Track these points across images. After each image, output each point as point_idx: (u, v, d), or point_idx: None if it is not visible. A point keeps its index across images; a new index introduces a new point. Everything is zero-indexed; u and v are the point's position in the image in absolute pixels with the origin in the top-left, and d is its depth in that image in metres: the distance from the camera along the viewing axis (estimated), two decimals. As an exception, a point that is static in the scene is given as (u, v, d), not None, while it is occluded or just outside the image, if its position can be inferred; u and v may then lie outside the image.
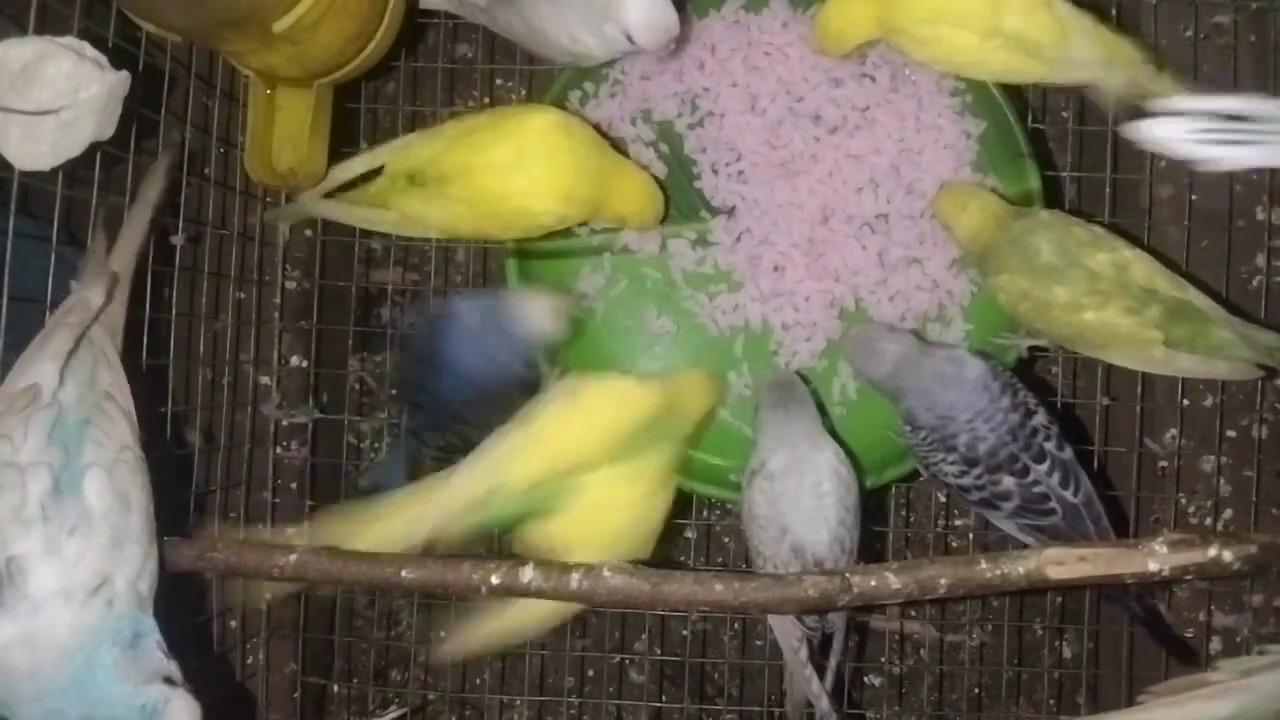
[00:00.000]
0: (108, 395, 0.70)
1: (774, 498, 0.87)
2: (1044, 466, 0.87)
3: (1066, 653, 1.18)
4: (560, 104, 1.01)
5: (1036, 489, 0.88)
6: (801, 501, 0.86)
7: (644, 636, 1.19)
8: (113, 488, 0.66)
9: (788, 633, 0.89)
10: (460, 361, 0.93)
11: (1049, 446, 0.88)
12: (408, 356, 0.97)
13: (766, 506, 0.87)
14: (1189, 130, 0.72)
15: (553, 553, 0.80)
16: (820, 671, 0.90)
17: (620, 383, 0.85)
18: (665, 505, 0.85)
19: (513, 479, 0.81)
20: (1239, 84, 1.02)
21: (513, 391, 0.92)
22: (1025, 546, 0.89)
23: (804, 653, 0.89)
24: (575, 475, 0.81)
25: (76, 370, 0.70)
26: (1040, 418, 0.89)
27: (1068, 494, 0.88)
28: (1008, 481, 0.88)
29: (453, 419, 0.94)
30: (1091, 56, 0.87)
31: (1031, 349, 0.97)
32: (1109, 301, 0.87)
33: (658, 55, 0.93)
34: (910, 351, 0.90)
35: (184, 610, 0.97)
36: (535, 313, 0.92)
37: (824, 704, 0.89)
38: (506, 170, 0.89)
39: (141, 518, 0.67)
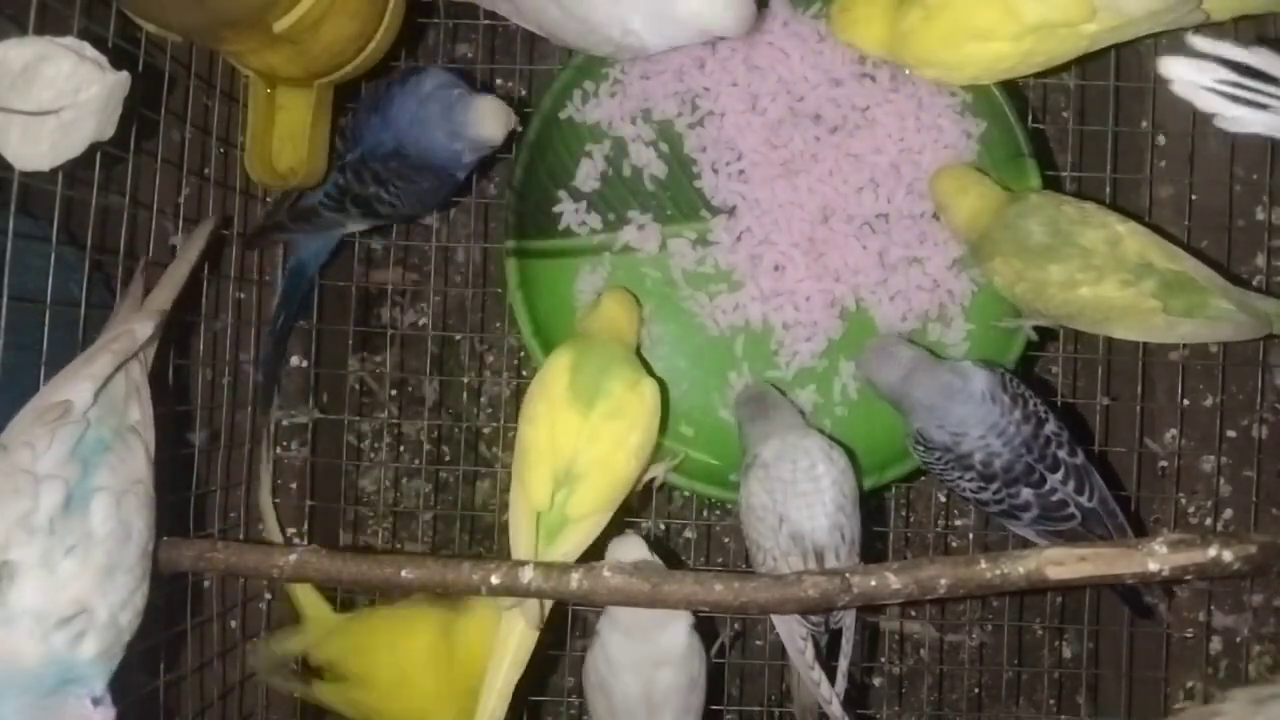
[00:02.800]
0: (133, 429, 0.71)
1: (770, 486, 0.87)
2: (1059, 475, 0.87)
3: (1066, 653, 1.18)
4: (561, 103, 1.02)
5: (1054, 497, 0.87)
6: (798, 487, 0.86)
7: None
8: (118, 515, 0.66)
9: (792, 632, 0.88)
10: (393, 113, 0.94)
11: (1062, 454, 0.88)
12: (367, 99, 0.98)
13: (764, 496, 0.87)
14: (1216, 79, 0.68)
15: (608, 507, 0.86)
16: (830, 674, 0.88)
17: (553, 357, 0.89)
18: (653, 409, 0.88)
19: (537, 502, 0.84)
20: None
21: (418, 178, 0.95)
22: (1027, 546, 0.89)
23: (810, 653, 0.88)
24: (573, 452, 0.85)
25: (106, 395, 0.71)
26: (1051, 425, 0.88)
27: (1083, 499, 0.88)
28: (1026, 493, 0.88)
29: (361, 163, 0.95)
30: (1136, 7, 0.86)
31: (1034, 343, 0.98)
32: (1104, 276, 0.87)
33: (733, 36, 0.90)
34: (923, 359, 0.90)
35: (184, 610, 0.97)
36: (483, 110, 0.92)
37: (836, 709, 0.87)
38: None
39: (138, 551, 0.67)
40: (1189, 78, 0.69)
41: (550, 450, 0.85)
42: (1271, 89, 0.68)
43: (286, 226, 1.00)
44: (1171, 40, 0.98)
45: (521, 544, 0.84)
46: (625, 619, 0.90)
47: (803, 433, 0.90)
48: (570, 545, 0.84)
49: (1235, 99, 0.68)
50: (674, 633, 0.90)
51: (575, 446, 0.85)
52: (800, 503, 0.86)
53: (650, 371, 0.92)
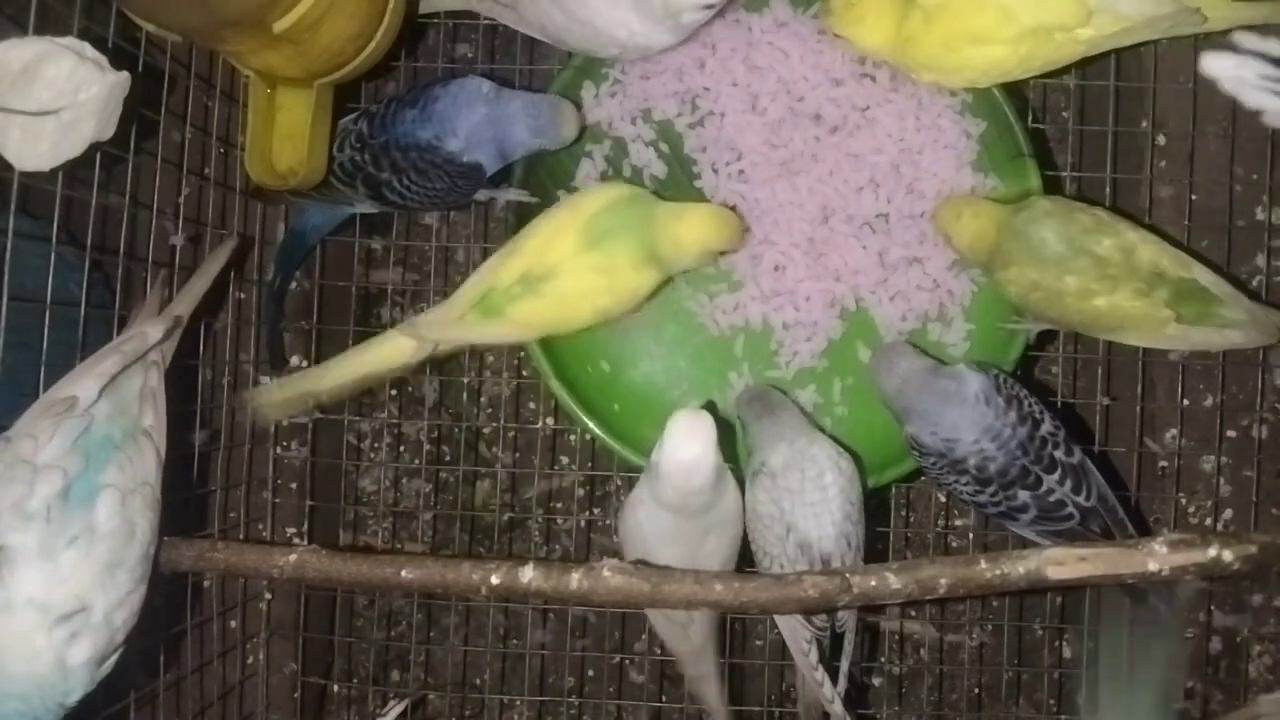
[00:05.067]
0: (146, 433, 0.72)
1: (777, 496, 0.86)
2: (1055, 476, 0.87)
3: (1066, 653, 1.18)
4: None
5: (1051, 498, 0.87)
6: (806, 497, 0.86)
7: (644, 636, 1.19)
8: (122, 513, 0.66)
9: (796, 634, 0.88)
10: (438, 110, 0.94)
11: (1058, 455, 0.88)
12: (402, 94, 0.99)
13: (770, 505, 0.87)
14: (1260, 75, 0.70)
15: (533, 330, 0.92)
16: (832, 674, 0.89)
17: (606, 185, 0.94)
18: (635, 293, 0.91)
19: (500, 279, 0.90)
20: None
21: (434, 176, 0.95)
22: (1026, 546, 0.89)
23: (814, 655, 0.88)
24: (552, 267, 0.89)
25: (116, 394, 0.71)
26: (1047, 425, 0.88)
27: (1081, 498, 0.88)
28: (1023, 495, 0.88)
29: (383, 149, 0.95)
30: (1133, 12, 0.86)
31: (1033, 347, 0.98)
32: (1119, 286, 0.87)
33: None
34: (921, 370, 0.89)
35: (184, 610, 0.97)
36: (566, 113, 0.94)
37: (838, 708, 0.88)
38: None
39: (141, 551, 0.68)
40: (1234, 74, 0.71)
41: (537, 254, 0.89)
42: None
43: (298, 189, 1.00)
44: (1136, 65, 1.00)
45: (463, 298, 0.91)
46: (674, 501, 0.81)
47: (810, 439, 0.89)
48: (490, 334, 0.93)
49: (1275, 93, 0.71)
50: (724, 505, 0.85)
51: (555, 265, 0.88)
52: (808, 512, 0.86)
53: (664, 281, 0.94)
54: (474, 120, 0.93)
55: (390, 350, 0.93)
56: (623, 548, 0.90)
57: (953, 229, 0.93)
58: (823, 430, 0.99)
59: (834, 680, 0.88)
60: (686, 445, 0.79)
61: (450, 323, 0.91)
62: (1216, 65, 0.71)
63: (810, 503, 0.86)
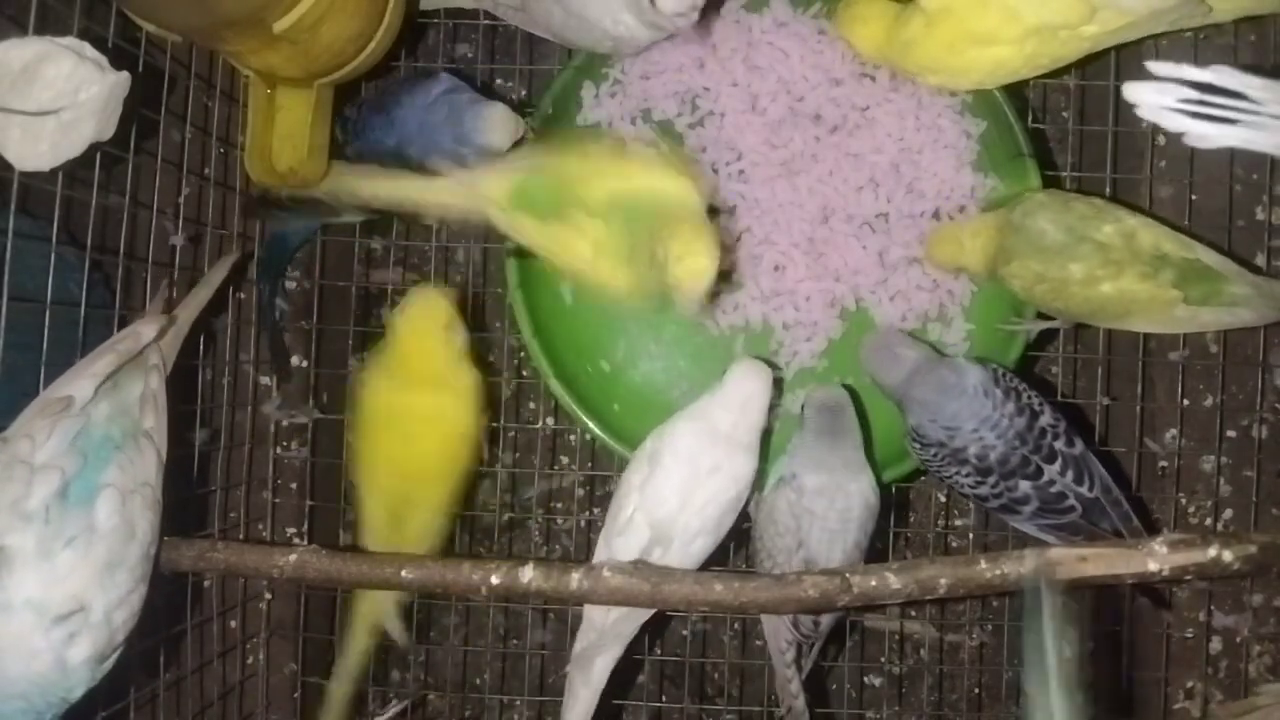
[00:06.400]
0: (147, 435, 0.72)
1: (799, 512, 0.87)
2: (1056, 466, 0.87)
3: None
4: (564, 103, 1.01)
5: (1053, 489, 0.88)
6: (826, 523, 0.86)
7: (644, 636, 1.18)
8: (122, 512, 0.66)
9: (778, 634, 0.90)
10: (399, 115, 0.95)
11: (1059, 445, 0.88)
12: (375, 97, 1.00)
13: (789, 518, 0.87)
14: (1179, 99, 0.71)
15: (527, 240, 0.87)
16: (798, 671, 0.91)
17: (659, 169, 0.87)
18: (608, 280, 0.86)
19: (538, 179, 0.85)
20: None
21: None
22: (1026, 546, 0.88)
23: (790, 655, 0.90)
24: (571, 201, 0.84)
25: (114, 394, 0.71)
26: (1047, 417, 0.89)
27: (1083, 489, 0.88)
28: (1024, 486, 0.88)
29: (357, 158, 0.97)
30: (1138, 6, 0.86)
31: (1033, 346, 0.97)
32: (1123, 270, 0.87)
33: (679, 26, 0.89)
34: (924, 359, 0.90)
35: (184, 610, 0.97)
36: (492, 118, 0.92)
37: (799, 704, 0.91)
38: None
39: (141, 551, 0.68)
40: (1152, 101, 0.72)
41: (571, 182, 0.84)
42: (1237, 103, 0.71)
43: (287, 205, 1.00)
44: (1136, 64, 0.99)
45: (512, 169, 0.86)
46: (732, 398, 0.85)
47: (852, 473, 0.88)
48: (501, 222, 0.86)
49: (1200, 116, 0.71)
50: (743, 460, 0.85)
51: (574, 203, 0.83)
52: (824, 536, 0.86)
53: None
54: (414, 127, 0.94)
55: (437, 190, 0.87)
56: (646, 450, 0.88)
57: (960, 258, 0.93)
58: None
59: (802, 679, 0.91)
60: (752, 367, 0.85)
61: (492, 182, 0.85)
62: (1136, 93, 0.72)
63: (829, 528, 0.86)
